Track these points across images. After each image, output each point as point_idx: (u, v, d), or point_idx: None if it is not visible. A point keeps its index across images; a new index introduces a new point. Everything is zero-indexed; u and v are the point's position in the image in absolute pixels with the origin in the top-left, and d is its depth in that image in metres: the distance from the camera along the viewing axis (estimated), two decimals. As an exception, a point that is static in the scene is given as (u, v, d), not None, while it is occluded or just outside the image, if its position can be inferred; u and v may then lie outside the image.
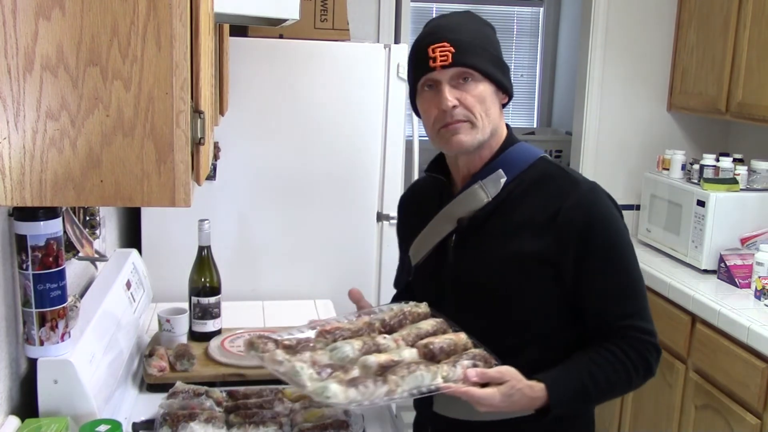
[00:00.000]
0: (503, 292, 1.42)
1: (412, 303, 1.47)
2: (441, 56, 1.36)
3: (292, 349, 1.31)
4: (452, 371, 1.28)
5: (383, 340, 1.36)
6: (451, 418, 1.47)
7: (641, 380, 1.42)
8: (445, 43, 1.37)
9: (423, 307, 1.47)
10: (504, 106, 1.47)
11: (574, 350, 1.41)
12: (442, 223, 1.48)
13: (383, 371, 1.25)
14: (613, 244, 1.40)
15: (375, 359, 1.27)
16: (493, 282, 1.42)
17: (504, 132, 1.47)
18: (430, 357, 1.32)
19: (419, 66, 1.40)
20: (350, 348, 1.32)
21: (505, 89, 1.44)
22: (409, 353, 1.31)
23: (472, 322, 1.41)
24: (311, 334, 1.38)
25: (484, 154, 1.45)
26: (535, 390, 1.31)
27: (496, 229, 1.42)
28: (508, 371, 1.29)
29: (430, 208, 1.52)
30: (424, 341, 1.35)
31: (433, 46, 1.37)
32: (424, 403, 1.52)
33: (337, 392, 1.19)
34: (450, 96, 1.37)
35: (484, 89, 1.39)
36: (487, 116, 1.40)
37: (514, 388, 1.28)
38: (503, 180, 1.42)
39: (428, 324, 1.41)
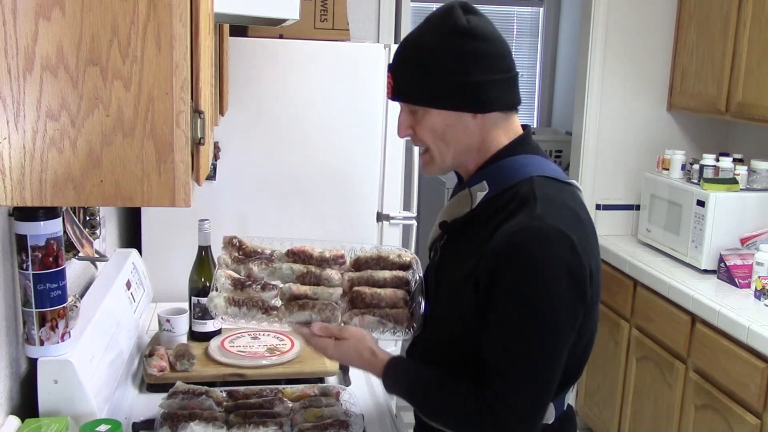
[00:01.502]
0: (443, 307, 1.38)
1: (399, 250, 1.56)
2: (388, 87, 1.37)
3: (248, 257, 1.52)
4: (350, 321, 1.43)
5: (329, 272, 1.49)
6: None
7: None
8: (390, 74, 1.36)
9: (406, 256, 1.54)
10: (517, 111, 1.38)
11: None
12: (438, 219, 1.48)
13: (293, 299, 1.44)
14: (517, 291, 1.22)
15: (292, 287, 1.46)
16: (443, 293, 1.39)
17: (497, 143, 1.36)
18: (353, 303, 1.45)
19: None
20: (290, 271, 1.49)
21: (469, 109, 1.32)
22: (329, 293, 1.46)
23: (434, 320, 1.42)
24: (284, 248, 1.54)
25: (470, 168, 1.39)
26: (377, 358, 1.39)
27: (462, 245, 1.37)
28: (351, 332, 1.41)
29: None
30: (357, 288, 1.47)
31: (387, 74, 1.38)
32: None
33: (219, 305, 1.43)
34: (403, 126, 1.38)
35: (433, 119, 1.32)
36: (444, 143, 1.34)
37: (349, 347, 1.40)
38: (482, 194, 1.34)
39: (385, 274, 1.50)
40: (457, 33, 1.30)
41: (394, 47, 2.53)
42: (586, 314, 1.29)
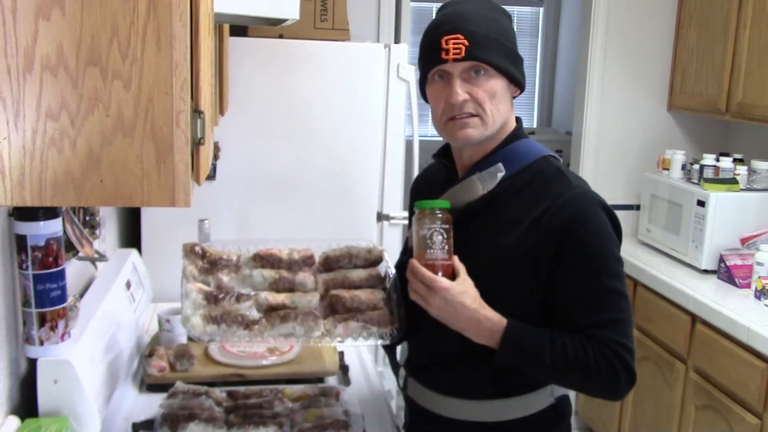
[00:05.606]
0: (484, 287, 1.37)
1: (367, 245, 1.52)
2: (454, 49, 1.33)
3: (214, 265, 1.44)
4: (333, 328, 1.38)
5: (302, 276, 1.44)
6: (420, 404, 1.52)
7: (602, 386, 1.35)
8: (459, 35, 1.33)
9: (376, 251, 1.51)
10: (515, 97, 1.46)
11: None
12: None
13: (271, 310, 1.37)
14: (590, 252, 1.34)
15: (268, 297, 1.39)
16: (474, 275, 1.37)
17: (512, 125, 1.45)
18: (333, 308, 1.41)
19: (431, 56, 1.37)
20: (261, 278, 1.42)
21: (517, 82, 1.41)
22: (307, 300, 1.40)
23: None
24: (249, 253, 1.48)
25: (489, 146, 1.43)
26: (493, 321, 1.32)
27: (487, 224, 1.40)
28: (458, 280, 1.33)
29: (435, 193, 1.50)
30: (335, 292, 1.42)
31: (446, 37, 1.34)
32: (403, 384, 1.60)
33: (196, 325, 1.34)
34: (461, 90, 1.35)
35: (495, 84, 1.36)
36: (497, 110, 1.38)
37: (451, 296, 1.30)
38: (500, 174, 1.40)
39: (360, 273, 1.46)
40: (507, 15, 1.44)
41: (395, 47, 2.54)
42: None
